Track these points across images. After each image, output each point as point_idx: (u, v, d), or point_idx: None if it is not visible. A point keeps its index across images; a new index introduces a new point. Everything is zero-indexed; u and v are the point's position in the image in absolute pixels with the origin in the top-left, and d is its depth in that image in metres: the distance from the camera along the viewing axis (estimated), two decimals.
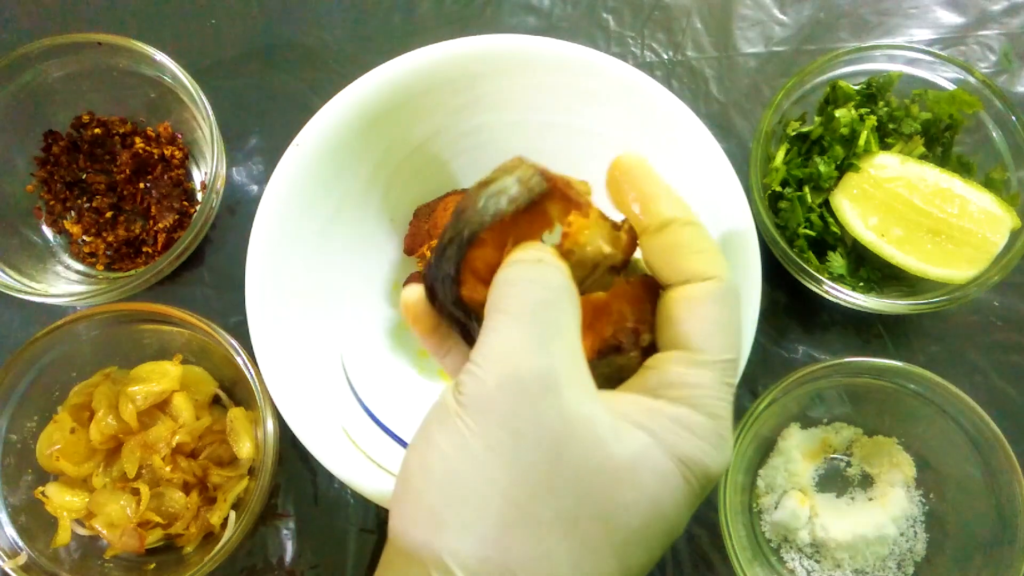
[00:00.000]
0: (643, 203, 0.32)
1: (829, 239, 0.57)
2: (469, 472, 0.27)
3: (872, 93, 0.58)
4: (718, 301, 0.31)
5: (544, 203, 0.33)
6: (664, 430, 0.29)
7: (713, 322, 0.31)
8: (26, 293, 0.57)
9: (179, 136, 0.64)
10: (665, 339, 0.31)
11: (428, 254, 0.54)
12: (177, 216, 0.62)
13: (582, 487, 0.27)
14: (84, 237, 0.63)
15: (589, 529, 0.27)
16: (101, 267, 0.63)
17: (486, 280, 0.31)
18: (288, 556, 0.57)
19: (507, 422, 0.27)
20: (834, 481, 0.57)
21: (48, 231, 0.63)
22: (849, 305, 0.54)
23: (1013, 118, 0.56)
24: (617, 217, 0.34)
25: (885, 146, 0.58)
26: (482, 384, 0.28)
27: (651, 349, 0.33)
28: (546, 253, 0.31)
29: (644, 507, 0.28)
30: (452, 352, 0.36)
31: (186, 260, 0.59)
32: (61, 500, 0.54)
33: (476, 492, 0.27)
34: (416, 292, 0.35)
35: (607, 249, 0.33)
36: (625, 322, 0.32)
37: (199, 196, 0.64)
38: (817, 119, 0.59)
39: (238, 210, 0.64)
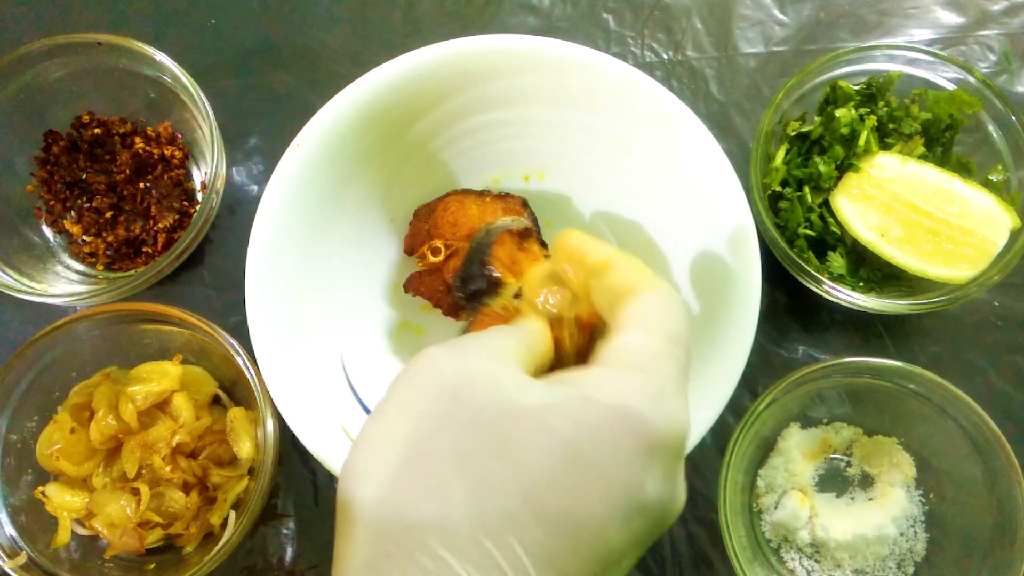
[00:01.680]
0: (582, 263, 0.36)
1: (829, 239, 0.57)
2: (378, 428, 0.29)
3: (872, 93, 0.58)
4: (653, 299, 0.33)
5: (529, 239, 0.49)
6: (586, 385, 0.29)
7: (646, 308, 0.32)
8: (26, 293, 0.57)
9: (179, 136, 0.64)
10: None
11: (428, 254, 0.54)
12: (177, 216, 0.62)
13: (479, 426, 0.28)
14: (84, 237, 0.63)
15: (487, 467, 0.27)
16: (101, 267, 0.63)
17: (505, 264, 0.46)
18: (288, 556, 0.57)
19: (412, 381, 0.30)
20: (834, 481, 0.57)
21: (48, 231, 0.63)
22: (849, 305, 0.54)
23: (1013, 118, 0.56)
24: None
25: (885, 146, 0.58)
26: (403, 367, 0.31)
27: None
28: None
29: (555, 450, 0.27)
30: None
31: (186, 260, 0.59)
32: (61, 500, 0.54)
33: (380, 442, 0.29)
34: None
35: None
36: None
37: (199, 196, 0.64)
38: (817, 119, 0.59)
39: (238, 210, 0.64)
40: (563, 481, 0.27)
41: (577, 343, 0.37)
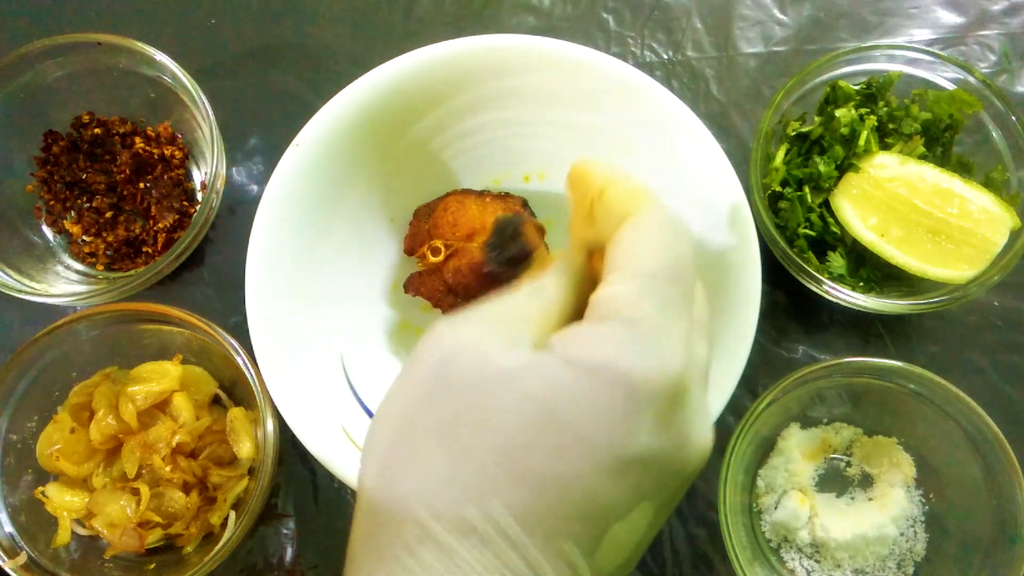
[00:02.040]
0: (587, 192, 0.34)
1: (829, 239, 0.57)
2: (381, 407, 0.30)
3: (872, 93, 0.58)
4: (637, 232, 0.31)
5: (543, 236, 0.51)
6: (565, 345, 0.28)
7: (628, 244, 0.31)
8: (26, 293, 0.57)
9: (179, 136, 0.64)
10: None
11: (428, 254, 0.54)
12: (177, 216, 0.62)
13: (461, 397, 0.28)
14: (84, 237, 0.63)
15: (464, 433, 0.27)
16: (101, 267, 0.63)
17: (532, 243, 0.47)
18: (288, 556, 0.57)
19: (414, 356, 0.30)
20: (834, 481, 0.57)
21: (48, 231, 0.63)
22: (849, 305, 0.54)
23: (1013, 118, 0.56)
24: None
25: (885, 146, 0.58)
26: (423, 350, 0.31)
27: None
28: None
29: (530, 411, 0.27)
30: None
31: (186, 260, 0.59)
32: (61, 500, 0.54)
33: (381, 420, 0.30)
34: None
35: None
36: None
37: (199, 196, 0.64)
38: (817, 119, 0.59)
39: (238, 210, 0.64)
40: (541, 441, 0.26)
41: None
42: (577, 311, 0.33)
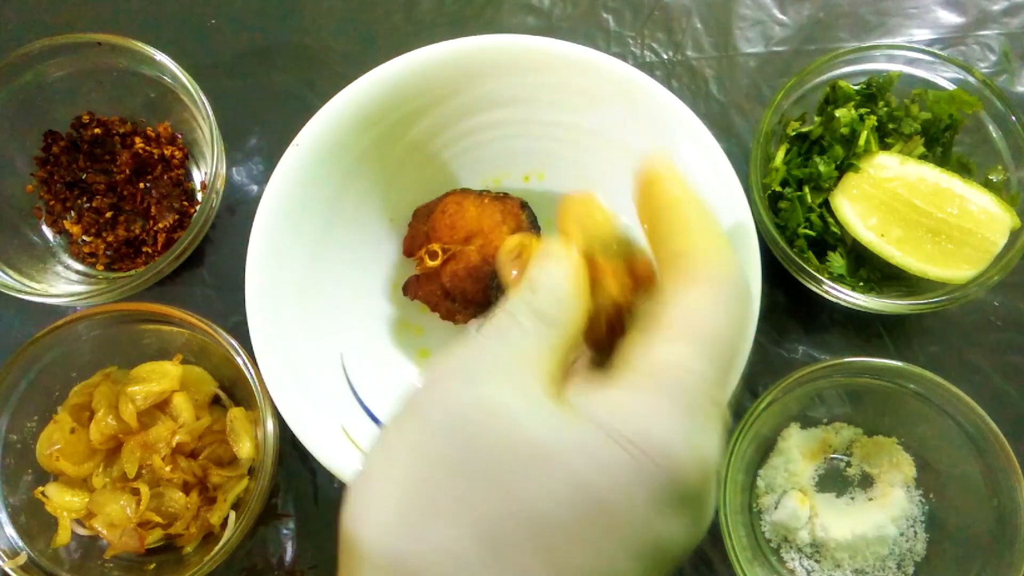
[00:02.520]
0: (651, 200, 0.31)
1: (829, 239, 0.57)
2: (382, 464, 0.27)
3: (872, 93, 0.58)
4: (713, 296, 0.28)
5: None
6: (609, 410, 0.26)
7: (701, 309, 0.28)
8: (26, 293, 0.57)
9: (179, 136, 0.64)
10: (644, 320, 0.29)
11: (425, 258, 0.54)
12: (177, 216, 0.62)
13: (491, 475, 0.25)
14: (84, 237, 0.63)
15: (495, 510, 0.24)
16: (101, 267, 0.63)
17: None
18: (288, 556, 0.57)
19: (417, 411, 0.27)
20: (834, 481, 0.57)
21: (48, 231, 0.63)
22: (849, 305, 0.54)
23: (1013, 118, 0.56)
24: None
25: (885, 146, 0.58)
26: (414, 388, 0.28)
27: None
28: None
29: (570, 495, 0.24)
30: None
31: (186, 260, 0.59)
32: (61, 500, 0.54)
33: (385, 480, 0.27)
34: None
35: None
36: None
37: (199, 196, 0.64)
38: (817, 119, 0.59)
39: (238, 210, 0.64)
40: (579, 530, 0.24)
41: (627, 295, 0.31)
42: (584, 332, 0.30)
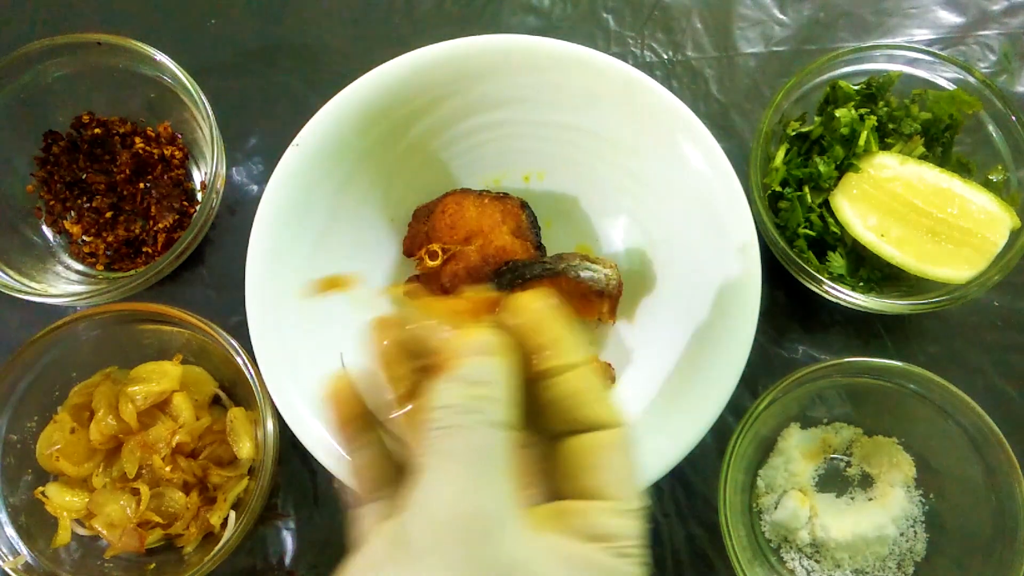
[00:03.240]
0: (549, 346, 0.32)
1: (829, 239, 0.57)
2: None
3: (872, 93, 0.58)
4: (626, 449, 0.32)
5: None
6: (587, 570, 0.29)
7: (626, 470, 0.32)
8: (26, 293, 0.57)
9: (179, 136, 0.64)
10: (579, 486, 0.32)
11: (425, 258, 0.54)
12: (177, 216, 0.62)
13: None
14: (84, 237, 0.63)
15: None
16: (101, 267, 0.63)
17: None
18: (288, 556, 0.57)
19: (452, 565, 0.27)
20: (834, 481, 0.57)
21: (48, 231, 0.63)
22: (849, 305, 0.54)
23: (1013, 118, 0.56)
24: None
25: (885, 146, 0.58)
26: (429, 526, 0.28)
27: None
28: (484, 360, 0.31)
29: None
30: (364, 449, 0.34)
31: (186, 260, 0.59)
32: (61, 500, 0.54)
33: None
34: (343, 380, 0.34)
35: None
36: None
37: (199, 196, 0.64)
38: (817, 119, 0.59)
39: (238, 210, 0.64)
40: None
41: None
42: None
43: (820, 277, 0.54)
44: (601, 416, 0.32)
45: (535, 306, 0.33)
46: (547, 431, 0.33)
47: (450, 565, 0.27)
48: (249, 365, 0.53)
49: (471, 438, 0.29)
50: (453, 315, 0.34)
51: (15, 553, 0.52)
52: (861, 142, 0.56)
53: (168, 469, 0.54)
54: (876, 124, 0.57)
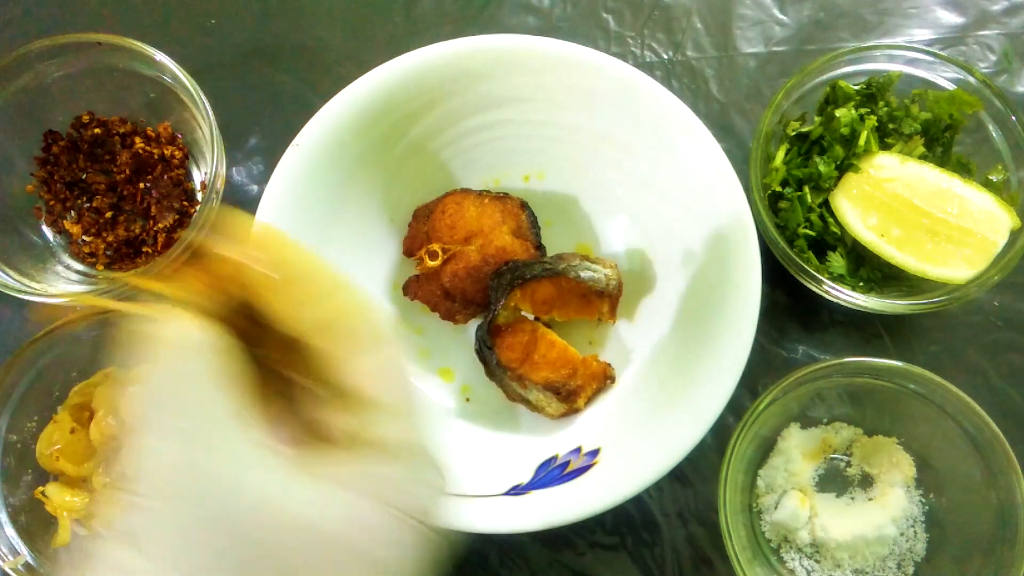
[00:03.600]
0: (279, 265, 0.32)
1: (829, 239, 0.57)
2: (156, 548, 0.26)
3: (872, 93, 0.58)
4: (393, 365, 0.32)
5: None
6: (377, 485, 0.28)
7: (392, 381, 0.31)
8: (26, 293, 0.57)
9: (179, 136, 0.64)
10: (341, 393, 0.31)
11: (425, 258, 0.54)
12: (177, 216, 0.62)
13: (256, 555, 0.26)
14: (84, 237, 0.63)
15: None
16: (101, 267, 0.63)
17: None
18: None
19: (176, 518, 0.26)
20: (834, 481, 0.57)
21: (48, 231, 0.63)
22: (849, 305, 0.54)
23: (1013, 118, 0.56)
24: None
25: (885, 146, 0.58)
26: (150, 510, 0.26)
27: None
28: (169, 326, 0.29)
29: (356, 565, 0.27)
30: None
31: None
32: (61, 500, 0.54)
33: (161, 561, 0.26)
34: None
35: None
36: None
37: (199, 196, 0.64)
38: (817, 119, 0.59)
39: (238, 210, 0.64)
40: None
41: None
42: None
43: (820, 277, 0.54)
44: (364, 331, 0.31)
45: (257, 235, 0.33)
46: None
47: (185, 533, 0.26)
48: None
49: (163, 405, 0.28)
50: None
51: (15, 553, 0.52)
52: (861, 142, 0.56)
53: None
54: (876, 124, 0.57)
